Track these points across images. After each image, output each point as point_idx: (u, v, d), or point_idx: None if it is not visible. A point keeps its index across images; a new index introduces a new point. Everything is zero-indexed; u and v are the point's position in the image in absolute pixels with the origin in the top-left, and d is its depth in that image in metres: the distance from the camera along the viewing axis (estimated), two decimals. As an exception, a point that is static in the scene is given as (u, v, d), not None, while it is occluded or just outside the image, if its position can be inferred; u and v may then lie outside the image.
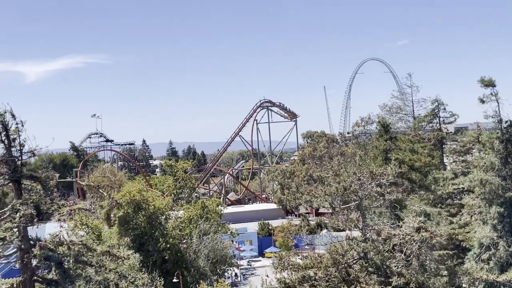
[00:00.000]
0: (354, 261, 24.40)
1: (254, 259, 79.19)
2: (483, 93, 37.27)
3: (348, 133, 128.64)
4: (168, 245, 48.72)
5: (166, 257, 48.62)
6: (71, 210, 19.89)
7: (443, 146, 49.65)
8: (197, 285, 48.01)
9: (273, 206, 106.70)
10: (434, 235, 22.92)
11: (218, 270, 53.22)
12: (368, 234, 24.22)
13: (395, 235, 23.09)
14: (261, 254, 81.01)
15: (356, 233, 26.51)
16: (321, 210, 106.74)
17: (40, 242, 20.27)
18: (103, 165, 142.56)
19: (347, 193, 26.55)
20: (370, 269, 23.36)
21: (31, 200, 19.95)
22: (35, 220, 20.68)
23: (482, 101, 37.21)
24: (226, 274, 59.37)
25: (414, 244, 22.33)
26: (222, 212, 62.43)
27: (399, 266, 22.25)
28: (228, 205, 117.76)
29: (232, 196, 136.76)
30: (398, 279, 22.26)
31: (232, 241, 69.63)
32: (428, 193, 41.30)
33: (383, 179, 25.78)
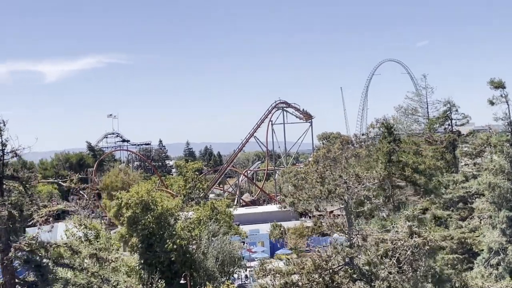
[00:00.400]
0: (339, 267, 24.01)
1: (267, 260, 78.82)
2: (492, 94, 36.69)
3: (362, 134, 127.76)
4: (175, 246, 48.74)
5: (173, 258, 48.64)
6: (50, 212, 19.75)
7: (455, 149, 49.02)
8: (204, 287, 47.94)
9: (286, 207, 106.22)
10: (428, 241, 22.43)
11: (226, 272, 53.09)
12: (354, 239, 23.85)
13: (385, 240, 22.66)
14: (273, 255, 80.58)
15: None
16: (336, 212, 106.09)
17: (14, 244, 20.18)
18: (118, 165, 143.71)
19: (332, 197, 26.21)
20: (354, 275, 22.95)
21: (9, 202, 19.83)
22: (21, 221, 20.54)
23: (492, 103, 36.62)
24: (235, 275, 59.18)
25: (406, 249, 21.88)
26: (231, 213, 62.27)
27: (391, 273, 21.80)
28: (242, 206, 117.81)
29: (247, 197, 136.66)
30: (381, 283, 21.84)
31: (243, 242, 69.44)
32: (437, 196, 40.73)
33: (369, 183, 25.41)
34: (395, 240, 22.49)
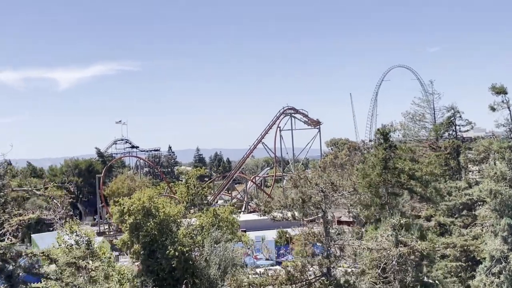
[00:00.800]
0: (316, 278, 23.60)
1: (270, 267, 78.42)
2: (494, 100, 36.24)
3: (370, 140, 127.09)
4: (176, 253, 48.52)
5: (174, 265, 48.42)
6: (21, 221, 19.53)
7: (459, 155, 48.48)
8: (205, 294, 47.67)
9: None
10: (414, 250, 21.93)
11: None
12: (332, 249, 23.47)
13: (369, 249, 22.22)
14: (278, 262, 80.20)
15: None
16: (343, 218, 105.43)
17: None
18: (127, 172, 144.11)
19: (307, 205, 25.86)
20: (331, 287, 22.53)
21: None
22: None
23: (493, 109, 36.22)
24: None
25: (391, 259, 21.41)
26: (235, 220, 61.96)
27: (376, 283, 21.35)
28: (250, 212, 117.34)
29: (256, 203, 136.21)
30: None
31: (248, 249, 69.01)
32: (434, 204, 40.26)
33: (344, 190, 25.03)
34: (380, 249, 22.04)
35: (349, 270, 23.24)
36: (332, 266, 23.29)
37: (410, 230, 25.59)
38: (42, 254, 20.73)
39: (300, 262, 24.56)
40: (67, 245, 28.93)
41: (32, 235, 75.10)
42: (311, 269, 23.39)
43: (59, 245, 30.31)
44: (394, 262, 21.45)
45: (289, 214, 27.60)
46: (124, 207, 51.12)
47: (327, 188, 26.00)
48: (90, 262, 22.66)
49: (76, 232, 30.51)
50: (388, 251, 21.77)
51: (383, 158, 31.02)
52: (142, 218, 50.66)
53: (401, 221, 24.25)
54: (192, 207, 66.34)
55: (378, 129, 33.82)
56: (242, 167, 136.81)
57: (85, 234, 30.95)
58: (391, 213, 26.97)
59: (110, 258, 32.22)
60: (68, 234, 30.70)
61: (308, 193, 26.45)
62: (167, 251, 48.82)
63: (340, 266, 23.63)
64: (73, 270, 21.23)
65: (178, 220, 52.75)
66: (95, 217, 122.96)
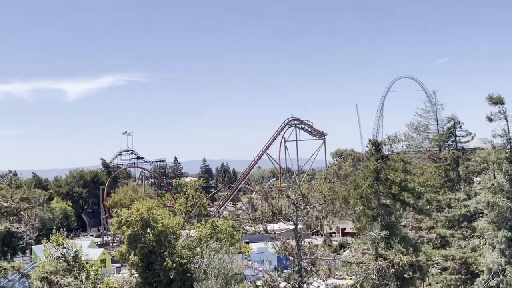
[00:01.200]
0: None
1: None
2: (490, 111, 35.86)
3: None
4: (174, 265, 48.24)
5: (172, 276, 48.13)
6: None
7: (459, 166, 48.02)
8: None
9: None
10: (393, 264, 21.49)
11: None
12: (303, 263, 23.03)
13: (348, 263, 21.81)
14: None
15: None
16: (348, 230, 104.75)
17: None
18: (132, 183, 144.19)
19: (278, 218, 25.50)
20: None
21: None
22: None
23: (490, 120, 35.80)
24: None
25: (370, 272, 20.96)
26: (234, 232, 61.58)
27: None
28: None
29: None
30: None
31: (250, 261, 68.51)
32: (427, 215, 39.82)
33: (315, 203, 24.65)
34: (359, 263, 21.65)
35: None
36: (304, 281, 22.88)
37: (403, 243, 25.22)
38: (12, 268, 20.52)
39: (269, 276, 24.16)
40: (50, 259, 28.62)
41: (33, 246, 75.14)
42: (281, 285, 22.95)
43: (46, 258, 30.09)
44: (373, 276, 21.04)
45: (260, 227, 27.17)
46: (122, 218, 50.99)
47: (298, 200, 25.59)
48: (63, 277, 22.37)
49: (63, 244, 30.26)
50: (367, 265, 21.36)
51: (374, 169, 30.69)
52: (140, 229, 50.50)
53: (381, 234, 23.80)
54: (191, 218, 66.13)
55: (370, 140, 33.51)
56: (247, 177, 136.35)
57: (72, 246, 30.71)
58: (383, 224, 26.59)
59: (97, 271, 31.85)
60: (54, 247, 30.46)
61: (278, 206, 26.09)
62: (165, 263, 48.56)
63: (312, 282, 23.18)
64: (44, 286, 20.98)
65: (177, 232, 52.51)
66: (99, 228, 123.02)
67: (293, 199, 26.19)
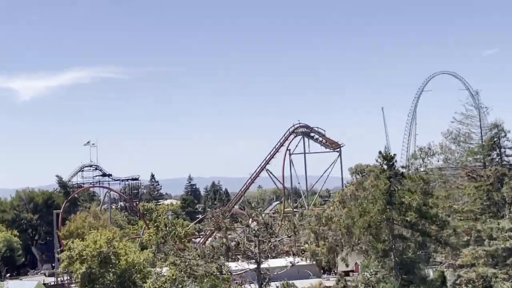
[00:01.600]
0: None
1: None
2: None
3: (402, 166, 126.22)
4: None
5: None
6: None
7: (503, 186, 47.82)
8: None
9: (304, 261, 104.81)
10: None
11: None
12: None
13: None
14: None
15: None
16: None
17: None
18: (96, 206, 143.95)
19: (233, 253, 25.10)
20: None
21: None
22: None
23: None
24: None
25: None
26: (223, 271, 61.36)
27: None
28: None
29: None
30: None
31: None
32: (454, 249, 39.48)
33: (282, 235, 24.24)
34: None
35: None
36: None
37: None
38: None
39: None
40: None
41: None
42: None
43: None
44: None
45: (213, 267, 26.54)
46: (74, 252, 50.90)
47: (261, 231, 24.94)
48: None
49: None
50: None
51: (386, 190, 30.30)
52: (98, 266, 50.38)
53: (378, 275, 23.38)
54: (162, 253, 65.85)
55: (380, 152, 33.25)
56: (241, 200, 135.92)
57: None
58: (396, 261, 26.09)
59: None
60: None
61: (235, 238, 25.52)
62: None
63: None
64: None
65: (145, 270, 52.38)
66: (53, 264, 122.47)
67: (254, 230, 25.77)
